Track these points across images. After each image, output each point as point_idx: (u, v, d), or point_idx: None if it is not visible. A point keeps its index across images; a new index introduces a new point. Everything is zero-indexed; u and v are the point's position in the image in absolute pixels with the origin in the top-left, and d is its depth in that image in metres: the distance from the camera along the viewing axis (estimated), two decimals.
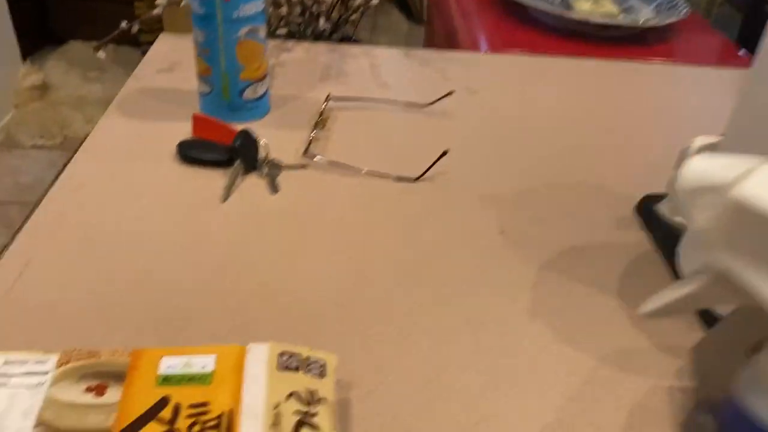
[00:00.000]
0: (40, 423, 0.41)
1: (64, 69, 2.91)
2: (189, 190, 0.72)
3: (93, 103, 2.79)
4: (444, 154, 0.74)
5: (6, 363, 0.44)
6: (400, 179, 0.75)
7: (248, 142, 0.75)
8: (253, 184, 0.74)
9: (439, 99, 0.89)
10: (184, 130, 0.79)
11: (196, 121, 0.78)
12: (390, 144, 0.82)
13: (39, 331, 0.54)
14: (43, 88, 2.78)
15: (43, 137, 2.59)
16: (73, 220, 0.67)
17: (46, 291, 0.58)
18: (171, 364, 0.45)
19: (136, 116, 0.84)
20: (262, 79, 0.82)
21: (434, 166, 0.75)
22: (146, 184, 0.72)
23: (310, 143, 0.78)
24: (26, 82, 2.73)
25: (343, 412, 0.50)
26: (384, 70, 1.00)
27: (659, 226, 0.70)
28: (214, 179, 0.74)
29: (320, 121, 0.82)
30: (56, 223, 0.66)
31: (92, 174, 0.73)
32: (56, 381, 0.44)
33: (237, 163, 0.74)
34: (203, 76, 0.80)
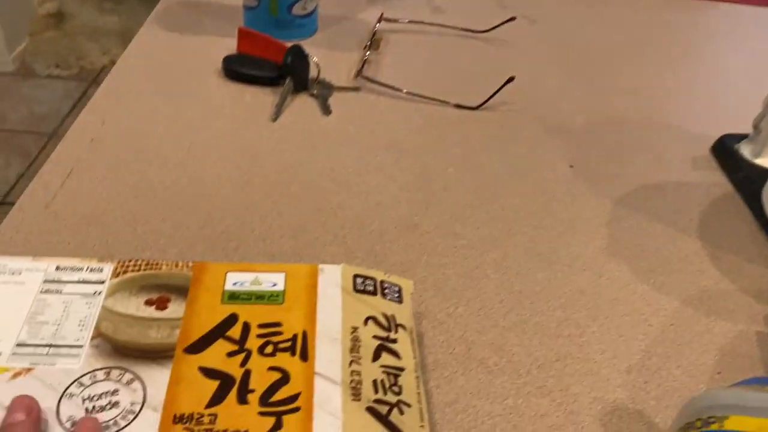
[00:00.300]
0: (97, 335, 0.37)
1: None
2: (236, 107, 0.67)
3: (109, 35, 2.71)
4: (510, 80, 0.69)
5: (58, 269, 0.41)
6: (459, 106, 0.70)
7: (299, 59, 0.69)
8: (304, 103, 0.69)
9: (499, 25, 0.83)
10: (229, 46, 0.74)
11: (243, 35, 0.73)
12: (445, 70, 0.77)
13: (84, 242, 0.51)
14: (59, 17, 2.70)
15: (59, 67, 2.52)
16: (114, 131, 0.62)
17: (88, 202, 0.54)
18: (237, 281, 0.42)
19: (176, 29, 0.78)
20: None
21: (496, 95, 0.70)
22: (190, 99, 0.67)
23: (363, 65, 0.73)
24: (42, 10, 2.65)
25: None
26: None
27: (739, 168, 0.65)
28: (261, 97, 0.69)
29: (373, 43, 0.76)
30: (97, 131, 0.62)
31: (133, 85, 0.69)
32: (113, 292, 0.40)
33: (287, 81, 0.69)
34: None
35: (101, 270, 0.41)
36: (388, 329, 0.41)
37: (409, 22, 0.83)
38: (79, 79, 2.45)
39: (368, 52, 0.75)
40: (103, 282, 0.40)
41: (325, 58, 0.74)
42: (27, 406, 0.33)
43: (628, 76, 0.80)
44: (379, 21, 0.80)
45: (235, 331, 0.39)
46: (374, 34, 0.78)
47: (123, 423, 0.33)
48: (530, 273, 0.53)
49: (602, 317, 0.50)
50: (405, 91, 0.71)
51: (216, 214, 0.55)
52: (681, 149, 0.68)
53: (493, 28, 0.83)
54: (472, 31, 0.83)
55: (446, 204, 0.58)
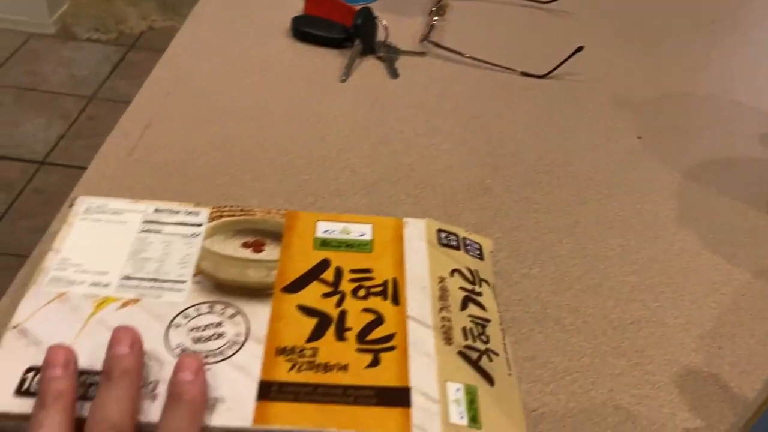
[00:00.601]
0: (199, 272, 0.39)
1: None
2: (306, 67, 0.68)
3: (148, 0, 2.72)
4: (578, 50, 0.69)
5: (157, 211, 0.42)
6: (525, 74, 0.70)
7: (369, 22, 0.70)
8: (371, 66, 0.69)
9: None
10: (296, 7, 0.74)
11: None
12: (510, 39, 0.77)
13: (166, 189, 0.52)
14: None
15: (99, 31, 2.54)
16: (188, 85, 0.63)
17: (168, 151, 0.55)
18: (328, 229, 0.43)
19: None
20: None
21: (563, 64, 0.70)
22: (260, 57, 0.68)
23: (430, 30, 0.73)
24: None
25: None
26: None
27: None
28: (328, 58, 0.69)
29: (439, 9, 0.76)
30: (172, 86, 0.63)
31: (205, 40, 0.69)
32: (210, 234, 0.41)
33: (356, 43, 0.69)
34: None
35: (198, 214, 0.42)
36: (473, 282, 0.42)
37: None
38: (118, 44, 2.47)
39: (435, 18, 0.75)
40: (200, 225, 0.42)
41: (391, 23, 0.74)
42: (131, 337, 0.33)
43: (695, 50, 0.79)
44: None
45: (329, 275, 0.40)
46: (440, 0, 0.77)
47: (229, 352, 0.35)
48: (602, 239, 0.53)
49: (674, 284, 0.50)
50: (471, 57, 0.71)
51: (292, 168, 0.56)
52: (748, 126, 0.68)
53: None
54: (537, 1, 0.83)
55: (517, 168, 0.59)
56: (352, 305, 0.38)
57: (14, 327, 0.35)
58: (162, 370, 0.34)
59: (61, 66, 2.34)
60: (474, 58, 0.71)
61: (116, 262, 0.39)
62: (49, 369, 0.32)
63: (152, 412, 0.32)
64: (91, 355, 0.34)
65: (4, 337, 0.34)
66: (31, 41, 2.44)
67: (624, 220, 0.55)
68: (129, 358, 0.33)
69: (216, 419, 0.32)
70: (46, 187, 1.76)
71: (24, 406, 0.32)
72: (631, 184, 0.59)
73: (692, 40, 0.81)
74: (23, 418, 0.31)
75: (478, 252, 0.45)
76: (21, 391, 0.32)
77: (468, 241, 0.45)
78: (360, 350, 0.36)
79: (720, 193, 0.59)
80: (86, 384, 0.33)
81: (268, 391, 0.34)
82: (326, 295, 0.39)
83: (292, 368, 0.35)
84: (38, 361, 0.33)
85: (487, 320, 0.40)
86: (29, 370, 0.33)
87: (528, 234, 0.53)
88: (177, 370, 0.32)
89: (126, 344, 0.33)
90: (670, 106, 0.69)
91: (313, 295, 0.38)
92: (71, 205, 0.42)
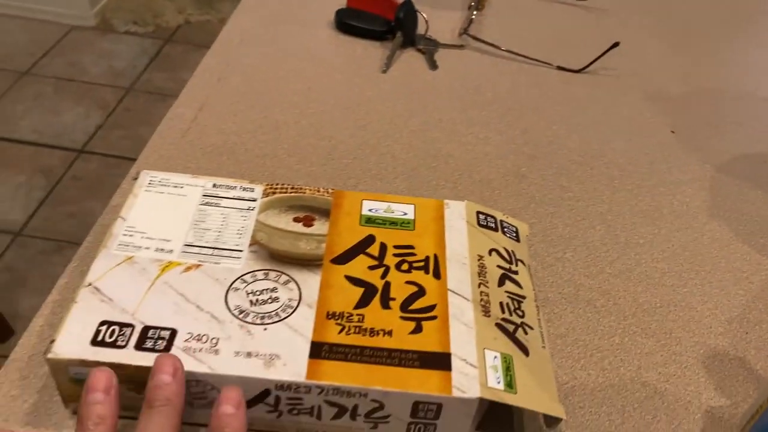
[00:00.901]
0: (254, 242, 0.42)
1: None
2: (349, 58, 0.70)
3: None
4: (614, 45, 0.71)
5: (215, 186, 0.45)
6: (561, 68, 0.72)
7: (410, 15, 0.72)
8: (411, 57, 0.72)
9: None
10: (339, 0, 0.77)
11: None
12: (547, 34, 0.79)
13: (219, 169, 0.55)
14: None
15: (137, 24, 2.61)
16: (237, 71, 0.66)
17: (219, 134, 0.58)
18: (372, 208, 0.45)
19: None
20: None
21: (599, 59, 0.72)
22: (305, 48, 0.71)
23: (469, 24, 0.75)
24: None
25: None
26: None
27: None
28: (370, 49, 0.72)
29: (478, 3, 0.79)
30: (222, 72, 0.66)
31: (251, 30, 0.72)
32: (264, 209, 0.44)
33: (398, 35, 0.72)
34: None
35: (253, 190, 0.45)
36: (510, 262, 0.44)
37: None
38: (155, 37, 2.53)
39: (474, 13, 0.77)
40: (255, 200, 0.44)
41: (431, 16, 0.76)
42: (173, 365, 0.33)
43: (729, 48, 0.80)
44: None
45: (374, 249, 0.42)
46: None
47: (283, 315, 0.38)
48: (634, 227, 0.55)
49: (704, 272, 0.52)
50: (509, 50, 0.73)
51: (335, 153, 0.58)
52: None
53: None
54: None
55: (552, 158, 0.61)
56: (395, 277, 0.41)
57: (88, 285, 0.38)
58: (222, 329, 0.37)
59: (100, 58, 2.41)
60: (511, 52, 0.73)
61: (178, 230, 0.42)
62: (90, 394, 0.32)
63: (214, 364, 0.35)
64: (156, 314, 0.37)
65: (80, 294, 0.37)
66: (72, 33, 2.51)
67: (656, 210, 0.57)
68: (171, 387, 0.33)
69: (273, 374, 0.35)
70: (84, 175, 1.81)
71: (98, 354, 0.35)
72: (663, 175, 0.60)
73: (726, 37, 0.82)
74: (97, 364, 0.34)
75: (514, 234, 0.47)
76: (96, 342, 0.35)
77: (505, 224, 0.47)
78: (403, 318, 0.38)
79: (752, 186, 0.60)
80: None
81: (319, 350, 0.36)
82: (372, 268, 0.41)
83: (341, 331, 0.37)
84: (110, 316, 0.36)
85: (523, 297, 0.42)
86: (102, 323, 0.36)
87: (562, 220, 0.55)
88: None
89: (168, 372, 0.33)
90: (704, 102, 0.70)
91: (359, 266, 0.41)
92: (135, 178, 0.45)
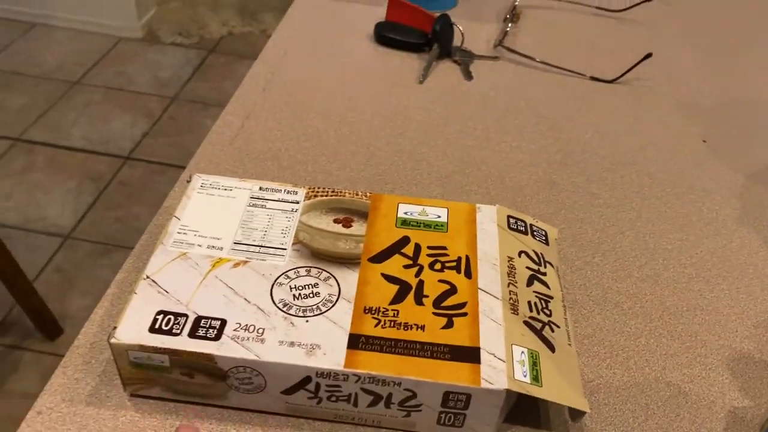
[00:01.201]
0: (297, 242, 0.45)
1: None
2: (387, 69, 0.73)
3: (228, 7, 2.86)
4: (647, 56, 0.72)
5: (261, 189, 0.48)
6: (594, 79, 0.74)
7: (446, 28, 0.75)
8: (447, 68, 0.74)
9: (635, 5, 0.85)
10: (378, 14, 0.80)
11: (392, 4, 0.79)
12: (580, 45, 0.80)
13: (264, 174, 0.58)
14: None
15: (182, 35, 2.69)
16: (281, 82, 0.70)
17: (265, 141, 0.62)
18: (408, 210, 0.48)
19: None
20: None
21: (632, 70, 0.73)
22: (346, 58, 0.74)
23: (504, 36, 0.77)
24: None
25: None
26: None
27: None
28: (408, 61, 0.75)
29: (513, 16, 0.81)
30: (267, 82, 0.69)
31: (295, 42, 0.76)
32: (306, 210, 0.47)
33: (434, 47, 0.74)
34: None
35: (296, 193, 0.48)
36: (539, 264, 0.46)
37: None
38: (199, 48, 2.60)
39: (509, 25, 0.79)
40: (298, 202, 0.47)
41: (467, 29, 0.79)
42: None
43: (760, 58, 0.81)
44: None
45: (409, 249, 0.45)
46: (514, 8, 0.82)
47: (324, 308, 0.40)
48: (663, 233, 0.56)
49: (731, 277, 0.53)
50: (543, 61, 0.75)
51: (373, 159, 0.61)
52: None
53: (629, 7, 0.85)
54: (608, 10, 0.86)
55: (583, 166, 0.62)
56: (429, 276, 0.43)
57: (146, 278, 0.41)
58: (267, 320, 0.39)
59: (147, 68, 2.49)
60: (545, 63, 0.75)
61: (228, 229, 0.45)
62: None
63: (260, 352, 0.38)
64: (207, 305, 0.40)
65: (139, 286, 0.41)
66: (120, 44, 2.60)
67: (685, 217, 0.58)
68: None
69: (313, 362, 0.38)
70: (130, 181, 1.88)
71: (155, 340, 0.38)
72: (693, 183, 0.62)
73: (757, 47, 0.83)
74: (155, 350, 0.38)
75: (544, 238, 0.49)
76: (153, 329, 0.39)
77: (535, 228, 0.49)
78: (436, 314, 0.41)
79: None
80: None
81: (357, 341, 0.39)
82: (407, 267, 0.44)
83: (377, 324, 0.40)
84: (166, 306, 0.40)
85: (551, 297, 0.44)
86: (159, 312, 0.39)
87: (591, 226, 0.56)
88: None
89: None
90: (736, 111, 0.71)
91: (395, 265, 0.44)
92: (188, 181, 0.49)
